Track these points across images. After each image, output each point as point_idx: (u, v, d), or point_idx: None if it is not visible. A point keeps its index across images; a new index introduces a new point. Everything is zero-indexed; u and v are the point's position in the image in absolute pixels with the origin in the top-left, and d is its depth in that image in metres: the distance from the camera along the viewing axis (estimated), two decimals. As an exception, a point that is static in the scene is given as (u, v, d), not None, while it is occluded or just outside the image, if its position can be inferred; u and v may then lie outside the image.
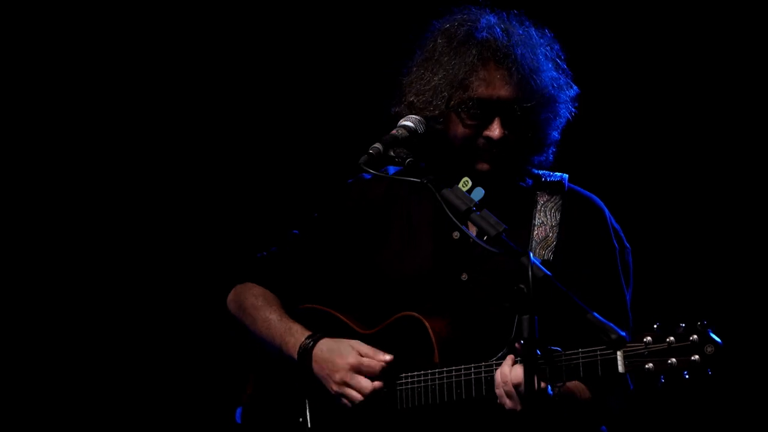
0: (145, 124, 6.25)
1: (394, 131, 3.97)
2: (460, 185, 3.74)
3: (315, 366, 4.10)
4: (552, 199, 4.18)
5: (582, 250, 4.14)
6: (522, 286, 3.50)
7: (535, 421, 3.79)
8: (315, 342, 4.12)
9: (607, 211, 4.23)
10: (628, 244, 4.23)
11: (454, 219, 3.71)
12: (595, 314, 3.55)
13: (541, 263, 3.60)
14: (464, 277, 4.12)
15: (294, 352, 4.14)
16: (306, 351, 4.12)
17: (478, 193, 3.72)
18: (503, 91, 4.04)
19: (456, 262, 4.13)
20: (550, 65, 4.11)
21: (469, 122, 4.06)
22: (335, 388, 4.06)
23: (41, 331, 6.21)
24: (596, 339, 3.57)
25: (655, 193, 5.94)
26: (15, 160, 6.18)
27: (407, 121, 4.00)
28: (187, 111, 6.25)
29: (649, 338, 3.65)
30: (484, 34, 4.07)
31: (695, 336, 3.60)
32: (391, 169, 4.15)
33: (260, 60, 6.23)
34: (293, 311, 4.28)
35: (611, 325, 3.53)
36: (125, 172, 6.25)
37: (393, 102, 4.19)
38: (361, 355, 4.03)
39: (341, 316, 4.22)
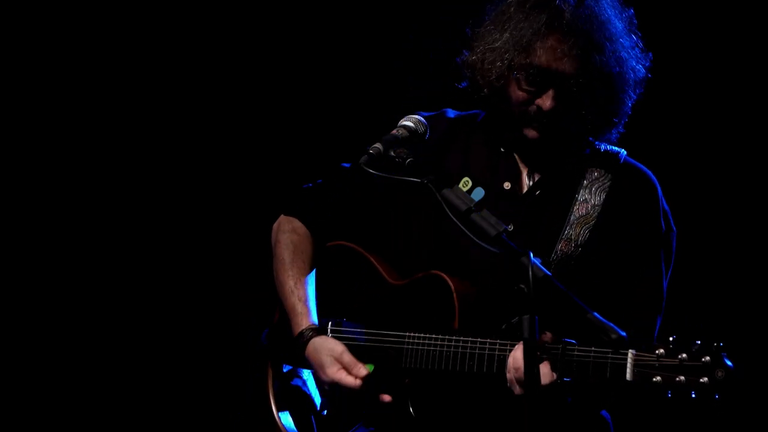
0: (150, 112, 6.26)
1: (394, 131, 3.95)
2: (460, 185, 3.74)
3: (308, 356, 4.16)
4: (602, 176, 4.16)
5: (626, 222, 4.11)
6: (522, 286, 3.49)
7: (539, 409, 3.80)
8: (309, 339, 4.16)
9: (659, 188, 4.19)
10: (674, 228, 4.18)
11: (455, 219, 3.71)
12: (596, 314, 3.54)
13: (541, 263, 3.59)
14: (510, 227, 4.03)
15: (295, 330, 4.19)
16: (302, 342, 4.17)
17: (479, 193, 3.72)
18: (563, 64, 4.00)
19: (504, 213, 4.03)
20: (620, 44, 4.05)
21: (525, 87, 4.04)
22: (321, 386, 4.19)
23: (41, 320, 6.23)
24: (596, 339, 3.56)
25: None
26: (15, 161, 6.18)
27: (407, 121, 3.99)
28: (194, 101, 6.27)
29: (661, 350, 3.58)
30: (558, 2, 4.02)
31: (707, 357, 3.53)
32: (450, 112, 4.18)
33: (261, 57, 6.24)
34: (326, 250, 4.31)
35: (611, 325, 3.52)
36: (130, 158, 6.27)
37: (462, 53, 4.16)
38: (343, 366, 4.07)
39: (375, 262, 4.23)
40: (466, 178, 3.77)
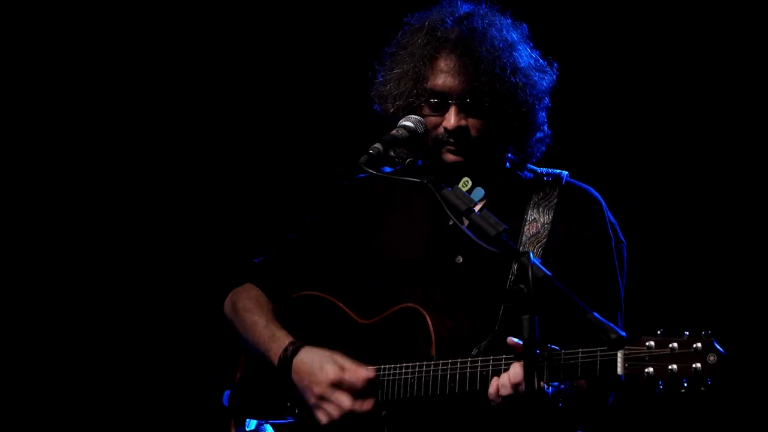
0: (143, 127, 6.25)
1: (394, 131, 3.98)
2: (460, 185, 3.74)
3: (294, 376, 4.08)
4: (547, 195, 4.19)
5: (576, 240, 4.14)
6: (522, 286, 3.48)
7: (529, 420, 3.80)
8: (296, 350, 4.10)
9: (603, 203, 4.23)
10: (623, 239, 4.22)
11: (454, 219, 3.71)
12: (595, 314, 3.54)
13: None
14: (459, 259, 4.12)
15: (275, 359, 4.13)
16: (286, 359, 4.10)
17: (478, 193, 3.71)
18: (454, 80, 4.04)
19: (451, 246, 4.13)
20: (512, 54, 4.08)
21: (428, 113, 4.09)
22: (313, 401, 4.04)
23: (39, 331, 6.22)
24: (596, 339, 3.56)
25: (656, 194, 5.92)
26: (15, 160, 6.18)
27: (407, 122, 4.01)
28: (186, 113, 6.26)
29: (651, 342, 3.60)
30: (438, 24, 4.08)
31: (698, 344, 3.55)
32: (386, 169, 4.17)
33: (256, 62, 6.23)
34: (289, 301, 4.29)
35: (611, 325, 3.51)
36: (124, 175, 6.26)
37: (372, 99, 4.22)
38: (343, 370, 4.01)
39: (340, 304, 4.22)
40: (465, 179, 3.76)
